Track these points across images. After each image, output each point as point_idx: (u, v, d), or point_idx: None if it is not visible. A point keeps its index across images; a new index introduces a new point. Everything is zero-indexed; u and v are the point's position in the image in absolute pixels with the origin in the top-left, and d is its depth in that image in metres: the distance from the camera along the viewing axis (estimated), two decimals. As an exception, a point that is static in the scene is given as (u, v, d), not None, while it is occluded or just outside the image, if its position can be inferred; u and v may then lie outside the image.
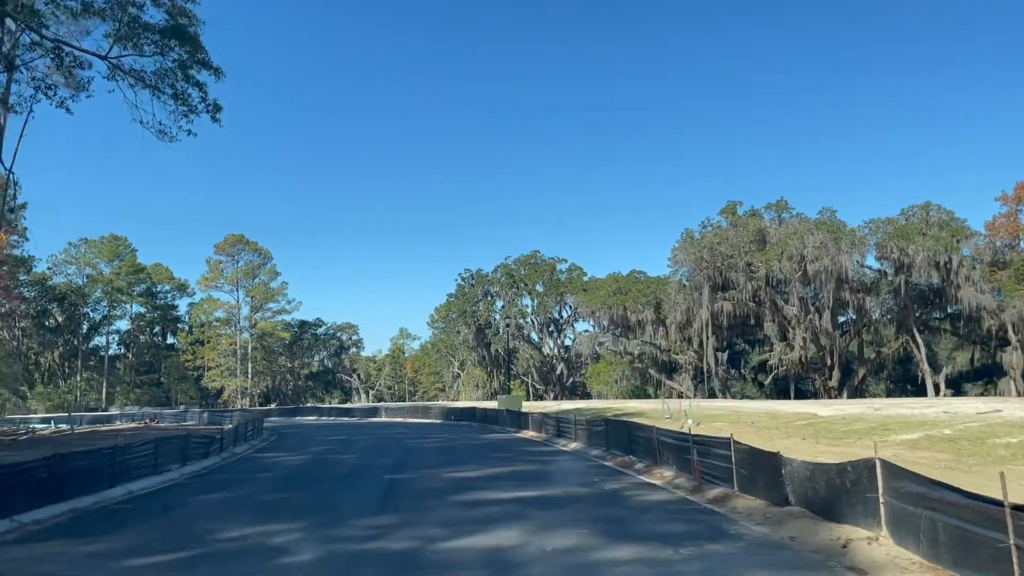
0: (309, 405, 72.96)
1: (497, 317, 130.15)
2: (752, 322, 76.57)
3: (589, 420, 31.09)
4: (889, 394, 73.62)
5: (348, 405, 70.71)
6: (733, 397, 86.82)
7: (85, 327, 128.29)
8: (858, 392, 71.77)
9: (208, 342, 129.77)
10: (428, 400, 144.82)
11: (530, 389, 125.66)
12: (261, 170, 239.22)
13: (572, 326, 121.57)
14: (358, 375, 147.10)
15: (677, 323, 73.31)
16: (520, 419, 42.06)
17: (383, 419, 56.06)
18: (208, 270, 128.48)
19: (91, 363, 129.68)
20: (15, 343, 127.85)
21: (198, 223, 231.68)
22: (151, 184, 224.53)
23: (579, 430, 31.05)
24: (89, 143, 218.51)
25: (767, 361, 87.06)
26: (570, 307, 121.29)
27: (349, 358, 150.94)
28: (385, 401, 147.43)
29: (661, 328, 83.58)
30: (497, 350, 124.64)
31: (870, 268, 67.89)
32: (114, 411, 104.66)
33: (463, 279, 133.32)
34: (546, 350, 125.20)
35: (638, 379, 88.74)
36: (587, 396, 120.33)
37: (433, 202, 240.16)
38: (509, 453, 29.72)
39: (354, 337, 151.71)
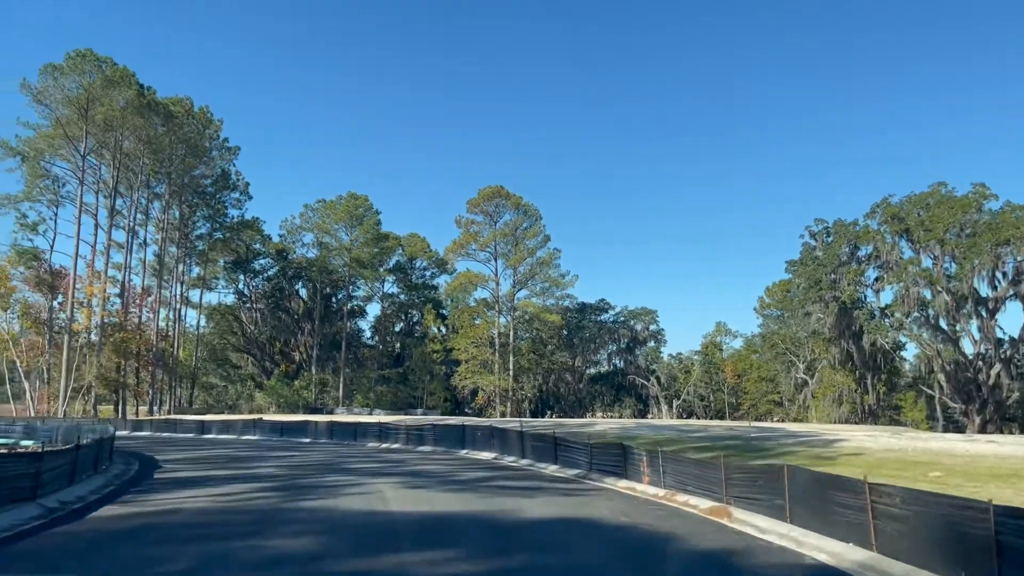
0: (468, 421, 37.67)
1: (870, 293, 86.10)
2: None
3: None
4: None
5: (584, 425, 35.22)
6: None
7: (325, 309, 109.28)
8: None
9: (461, 329, 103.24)
10: (759, 419, 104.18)
11: (937, 408, 79.48)
12: (524, 128, 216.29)
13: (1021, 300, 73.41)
14: (657, 378, 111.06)
15: None
16: None
17: (639, 488, 19.14)
18: (460, 233, 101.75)
19: (338, 354, 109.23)
20: (253, 327, 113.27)
21: (450, 195, 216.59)
22: (392, 150, 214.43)
23: None
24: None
25: None
26: (1013, 268, 73.61)
27: (646, 355, 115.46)
28: (696, 415, 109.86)
29: None
30: (876, 342, 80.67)
31: None
32: (339, 414, 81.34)
33: (812, 235, 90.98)
34: (966, 344, 78.08)
35: None
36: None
37: (761, 145, 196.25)
38: None
39: (652, 327, 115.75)
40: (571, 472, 23.23)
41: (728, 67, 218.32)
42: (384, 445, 36.90)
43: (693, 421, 70.87)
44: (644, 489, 19.25)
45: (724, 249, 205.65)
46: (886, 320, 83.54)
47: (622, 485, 20.22)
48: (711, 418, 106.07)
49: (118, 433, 51.42)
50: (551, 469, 24.54)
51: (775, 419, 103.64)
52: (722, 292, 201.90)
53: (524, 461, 26.89)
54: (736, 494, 15.71)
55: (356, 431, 40.30)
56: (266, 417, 56.99)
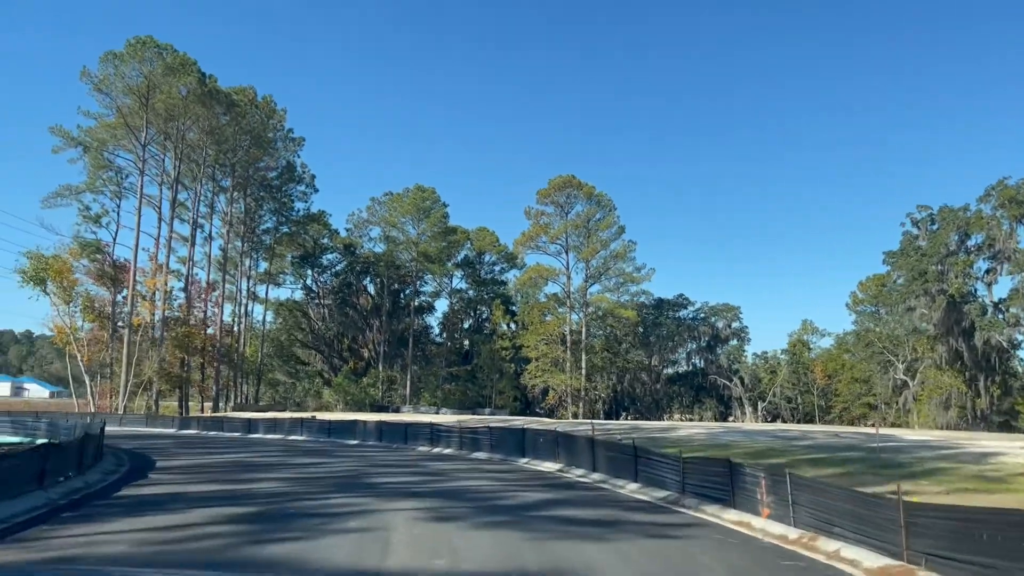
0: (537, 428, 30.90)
1: (980, 287, 77.09)
2: None
3: None
4: None
5: (665, 429, 28.87)
6: None
7: (392, 305, 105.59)
8: None
9: (531, 325, 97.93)
10: (850, 423, 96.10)
11: (1065, 414, 70.34)
12: (597, 120, 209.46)
13: None
14: (741, 379, 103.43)
15: None
16: None
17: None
18: (529, 225, 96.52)
19: (405, 351, 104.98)
20: (320, 323, 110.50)
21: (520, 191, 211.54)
22: (459, 143, 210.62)
23: None
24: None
25: None
26: None
27: (728, 354, 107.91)
28: (783, 418, 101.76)
29: None
30: (990, 340, 71.86)
31: None
32: (405, 412, 77.39)
33: (915, 223, 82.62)
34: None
35: None
36: None
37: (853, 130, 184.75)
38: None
39: (734, 324, 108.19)
40: (656, 494, 17.62)
41: (813, 55, 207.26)
42: (435, 450, 31.89)
43: (790, 426, 63.74)
44: (764, 527, 13.52)
45: (810, 243, 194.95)
46: (1000, 316, 74.63)
47: (730, 518, 14.53)
48: (798, 421, 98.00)
49: (165, 431, 48.23)
50: (630, 488, 18.97)
51: (869, 423, 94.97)
52: (808, 288, 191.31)
53: (595, 476, 21.36)
54: (928, 548, 9.88)
55: (407, 433, 35.48)
56: (319, 416, 52.90)
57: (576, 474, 22.28)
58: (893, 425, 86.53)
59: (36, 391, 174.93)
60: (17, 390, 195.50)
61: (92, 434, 20.34)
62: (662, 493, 17.66)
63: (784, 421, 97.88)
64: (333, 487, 17.74)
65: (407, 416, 62.47)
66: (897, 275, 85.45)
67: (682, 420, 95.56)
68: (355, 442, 37.14)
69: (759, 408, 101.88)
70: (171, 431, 47.67)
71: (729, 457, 16.35)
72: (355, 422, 40.20)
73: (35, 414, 54.61)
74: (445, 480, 20.28)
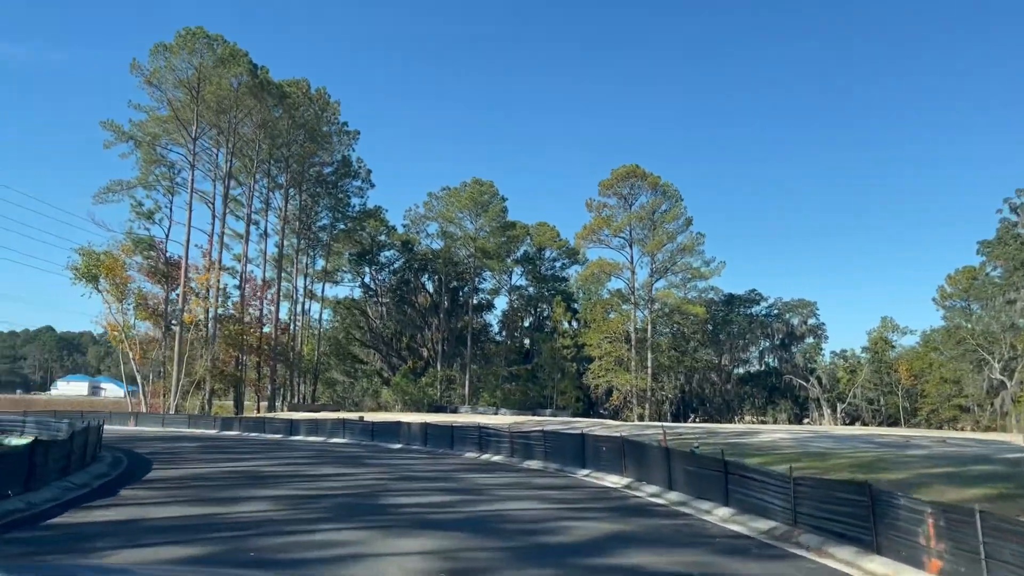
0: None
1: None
2: None
3: None
4: None
5: (743, 433, 24.32)
6: None
7: (451, 303, 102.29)
8: None
9: (593, 323, 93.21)
10: (938, 427, 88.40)
11: None
12: (659, 113, 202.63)
13: None
14: (818, 379, 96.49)
15: None
16: None
17: None
18: (591, 218, 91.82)
19: (464, 350, 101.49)
20: (379, 322, 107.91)
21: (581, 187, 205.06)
22: (519, 140, 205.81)
23: None
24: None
25: None
26: None
27: (804, 352, 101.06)
28: (863, 421, 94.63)
29: None
30: (1108, 336, 64.34)
31: None
32: (462, 413, 74.04)
33: (1013, 208, 75.04)
34: None
35: None
36: None
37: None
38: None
39: (810, 321, 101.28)
40: (757, 525, 13.16)
41: (889, 51, 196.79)
42: (483, 457, 27.84)
43: (882, 430, 57.57)
44: None
45: (889, 236, 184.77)
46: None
47: (876, 570, 9.97)
48: (880, 424, 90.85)
49: (205, 432, 45.41)
50: (719, 515, 14.52)
51: (959, 427, 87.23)
52: (887, 284, 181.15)
53: (672, 495, 16.93)
54: None
55: (453, 436, 31.56)
56: (367, 416, 49.53)
57: (647, 492, 17.87)
58: (988, 429, 79.00)
59: (113, 390, 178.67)
60: (95, 389, 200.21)
61: (52, 441, 16.89)
62: (765, 524, 13.19)
63: (865, 424, 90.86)
64: (333, 512, 13.79)
65: (463, 417, 58.77)
66: (992, 266, 78.06)
67: (754, 422, 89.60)
68: (398, 446, 33.43)
69: (838, 410, 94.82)
70: (211, 432, 44.90)
71: (869, 482, 11.67)
72: (399, 424, 36.50)
73: (80, 413, 52.92)
74: (480, 501, 16.12)
